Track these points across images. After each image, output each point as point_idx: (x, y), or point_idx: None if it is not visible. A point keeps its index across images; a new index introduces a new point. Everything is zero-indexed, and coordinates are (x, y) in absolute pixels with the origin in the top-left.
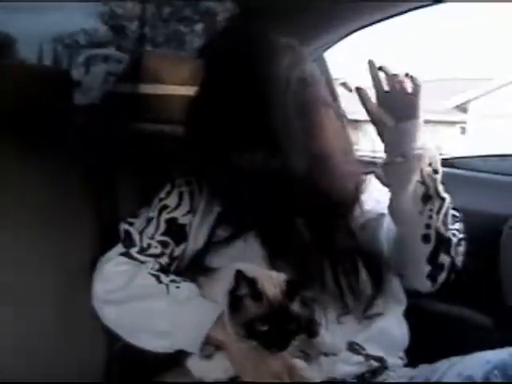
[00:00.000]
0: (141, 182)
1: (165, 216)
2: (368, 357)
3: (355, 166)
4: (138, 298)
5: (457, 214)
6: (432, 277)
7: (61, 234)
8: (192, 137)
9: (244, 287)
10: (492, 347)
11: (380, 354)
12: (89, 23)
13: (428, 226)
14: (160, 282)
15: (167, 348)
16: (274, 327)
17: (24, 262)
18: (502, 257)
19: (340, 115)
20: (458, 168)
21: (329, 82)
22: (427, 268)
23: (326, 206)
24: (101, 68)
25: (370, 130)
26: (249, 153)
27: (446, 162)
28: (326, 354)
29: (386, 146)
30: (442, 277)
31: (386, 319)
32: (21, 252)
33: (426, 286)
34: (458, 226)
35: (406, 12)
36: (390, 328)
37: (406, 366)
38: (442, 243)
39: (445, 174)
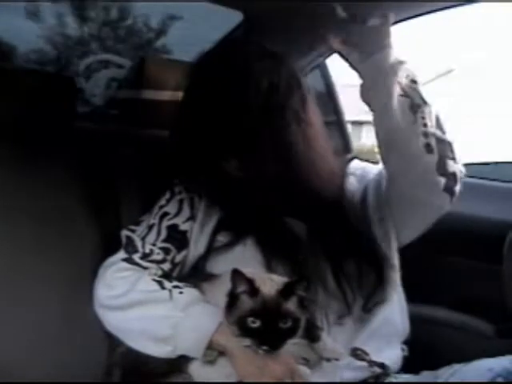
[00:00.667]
0: (142, 189)
1: (166, 223)
2: (371, 363)
3: (334, 165)
4: (141, 304)
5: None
6: (449, 189)
7: (62, 239)
8: (176, 142)
9: (241, 285)
10: (494, 355)
11: (382, 352)
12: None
13: (426, 135)
14: (163, 287)
15: (170, 353)
16: (266, 324)
17: (26, 268)
18: (505, 263)
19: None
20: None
21: (329, 86)
22: (442, 180)
23: (316, 206)
24: (103, 74)
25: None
26: (225, 159)
27: None
28: (328, 360)
29: (360, 68)
30: (457, 187)
31: (387, 307)
32: (22, 257)
33: (445, 200)
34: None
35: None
36: (391, 316)
37: (407, 372)
38: (445, 148)
39: None
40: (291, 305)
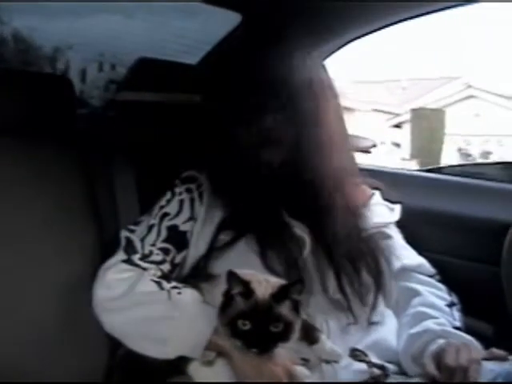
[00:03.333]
0: (142, 190)
1: (166, 223)
2: (370, 364)
3: (354, 170)
4: (140, 305)
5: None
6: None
7: (62, 241)
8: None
9: (236, 287)
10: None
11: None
12: None
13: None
14: (162, 288)
15: (169, 354)
16: (256, 327)
17: (26, 270)
18: (504, 264)
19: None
20: (462, 176)
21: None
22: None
23: (329, 211)
24: (99, 76)
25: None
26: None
27: (450, 170)
28: (327, 362)
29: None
30: None
31: (385, 329)
32: (23, 259)
33: None
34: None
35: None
36: (388, 337)
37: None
38: None
39: (449, 182)
40: (284, 309)
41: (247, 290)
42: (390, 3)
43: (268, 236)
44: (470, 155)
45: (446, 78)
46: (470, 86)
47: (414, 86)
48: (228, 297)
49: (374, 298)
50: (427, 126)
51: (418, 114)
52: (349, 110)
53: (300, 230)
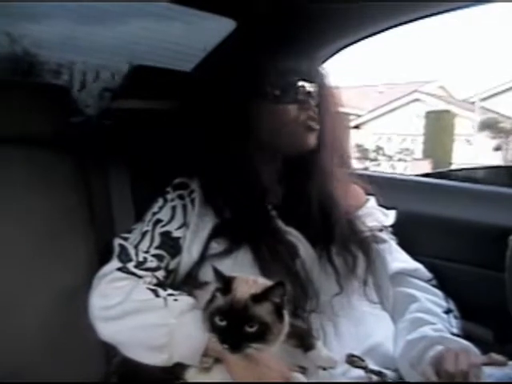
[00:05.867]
0: (138, 197)
1: (159, 230)
2: (368, 370)
3: (349, 174)
4: (136, 313)
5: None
6: None
7: (58, 249)
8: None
9: (217, 282)
10: None
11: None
12: None
13: None
14: (158, 295)
15: (166, 361)
16: (230, 324)
17: (22, 278)
18: (507, 269)
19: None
20: (465, 180)
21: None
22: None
23: (324, 217)
24: (95, 84)
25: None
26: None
27: (453, 174)
28: (324, 369)
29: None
30: None
31: (382, 334)
32: (18, 267)
33: None
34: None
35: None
36: (385, 343)
37: None
38: None
39: (451, 187)
40: (261, 310)
41: (226, 286)
42: (391, 4)
43: (262, 244)
44: (366, 149)
45: (420, 82)
46: (415, 91)
47: (390, 90)
48: (213, 293)
49: (364, 272)
50: None
51: None
52: None
53: (294, 237)
